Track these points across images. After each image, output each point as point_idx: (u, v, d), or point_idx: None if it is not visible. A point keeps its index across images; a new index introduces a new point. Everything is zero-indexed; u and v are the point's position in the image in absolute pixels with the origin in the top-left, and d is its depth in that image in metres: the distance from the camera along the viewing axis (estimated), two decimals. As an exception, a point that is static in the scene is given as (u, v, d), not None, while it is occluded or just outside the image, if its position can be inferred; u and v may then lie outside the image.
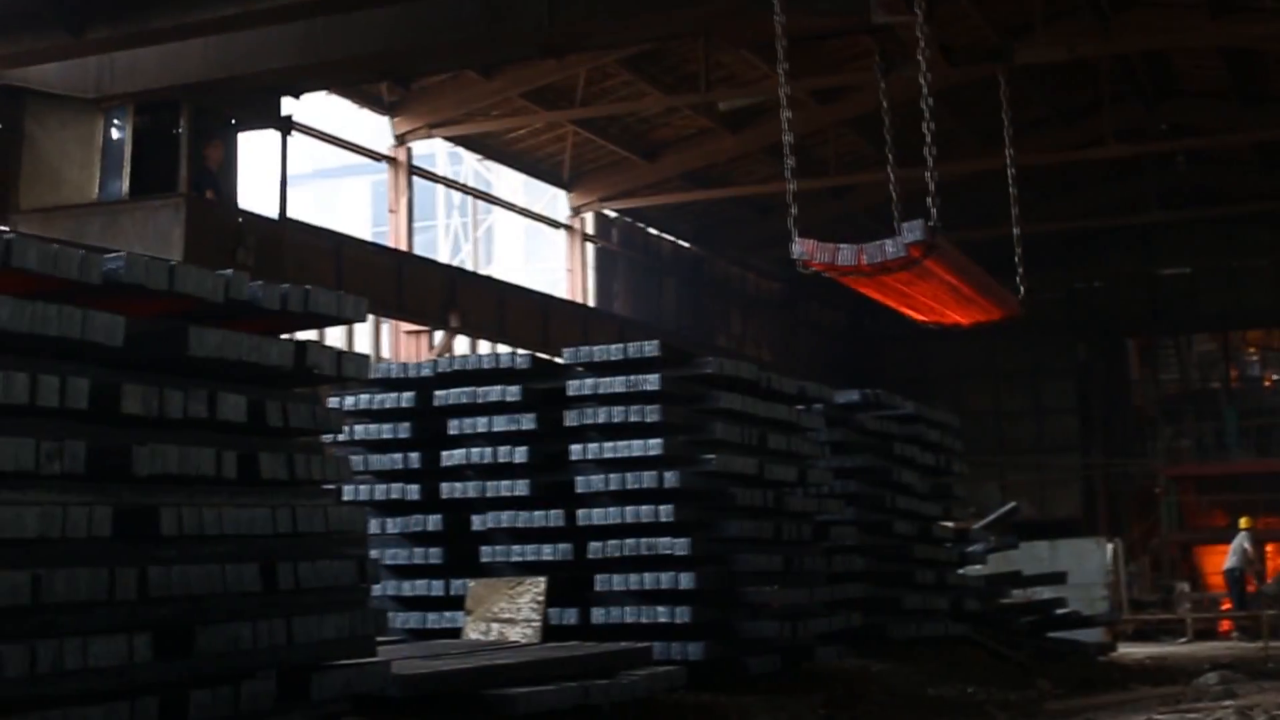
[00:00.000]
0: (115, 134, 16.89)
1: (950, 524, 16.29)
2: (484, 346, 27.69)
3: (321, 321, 7.73)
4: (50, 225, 15.66)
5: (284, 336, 7.35)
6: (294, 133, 25.82)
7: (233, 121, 18.13)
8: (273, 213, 21.43)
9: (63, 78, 17.46)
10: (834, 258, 12.89)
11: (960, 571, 16.25)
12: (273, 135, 19.10)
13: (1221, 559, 32.01)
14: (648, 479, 10.78)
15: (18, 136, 17.02)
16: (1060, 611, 18.04)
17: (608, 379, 11.06)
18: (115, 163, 16.56)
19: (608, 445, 10.96)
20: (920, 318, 17.26)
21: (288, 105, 19.60)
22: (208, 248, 14.49)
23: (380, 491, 11.64)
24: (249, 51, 17.65)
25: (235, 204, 17.84)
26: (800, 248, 13.26)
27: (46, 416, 6.00)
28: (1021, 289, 17.85)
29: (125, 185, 16.35)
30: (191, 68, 17.49)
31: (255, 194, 19.23)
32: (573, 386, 11.21)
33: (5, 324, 5.69)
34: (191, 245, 15.84)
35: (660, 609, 10.60)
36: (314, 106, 26.29)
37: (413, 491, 11.55)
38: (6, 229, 13.64)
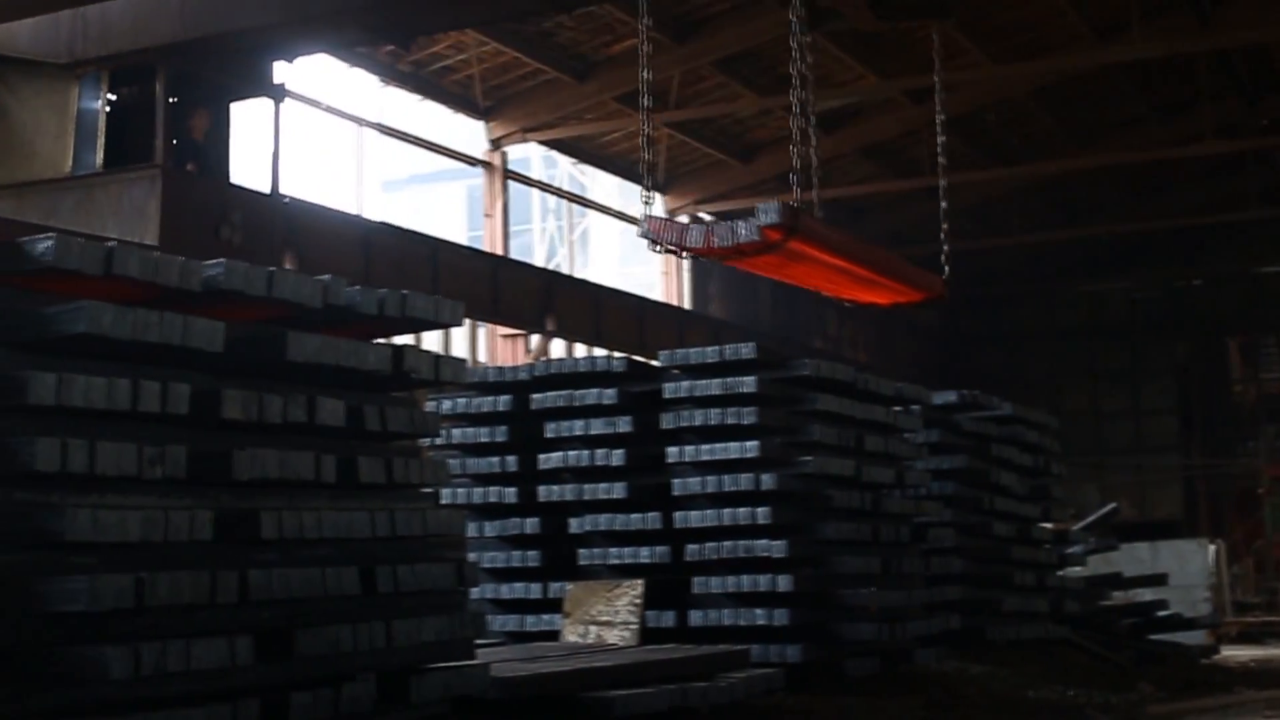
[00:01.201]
0: (90, 102, 15.69)
1: (1049, 525, 16.16)
2: (580, 350, 27.74)
3: (418, 326, 7.76)
4: (23, 203, 14.62)
5: (381, 341, 7.40)
6: (387, 136, 26.06)
7: (224, 91, 16.86)
8: (298, 196, 21.50)
9: (34, 42, 16.24)
10: (682, 238, 12.23)
11: (1060, 573, 16.12)
12: (299, 110, 18.43)
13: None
14: (745, 481, 10.76)
15: None
16: (1162, 614, 17.86)
17: (704, 381, 11.05)
18: (89, 133, 15.40)
19: (704, 448, 10.95)
20: (832, 294, 16.74)
21: (293, 76, 19.01)
22: (188, 223, 13.14)
23: (478, 495, 11.68)
24: (227, 8, 16.32)
25: (226, 178, 16.53)
26: (647, 226, 12.56)
27: (148, 422, 6.06)
28: (946, 269, 16.87)
29: (99, 157, 15.21)
30: (166, 28, 16.23)
31: (289, 172, 18.96)
32: (669, 389, 11.21)
33: (108, 331, 5.75)
34: (169, 220, 14.66)
35: (758, 611, 10.58)
36: (409, 112, 26.49)
37: (510, 494, 11.58)
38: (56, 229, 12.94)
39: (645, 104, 14.50)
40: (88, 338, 5.75)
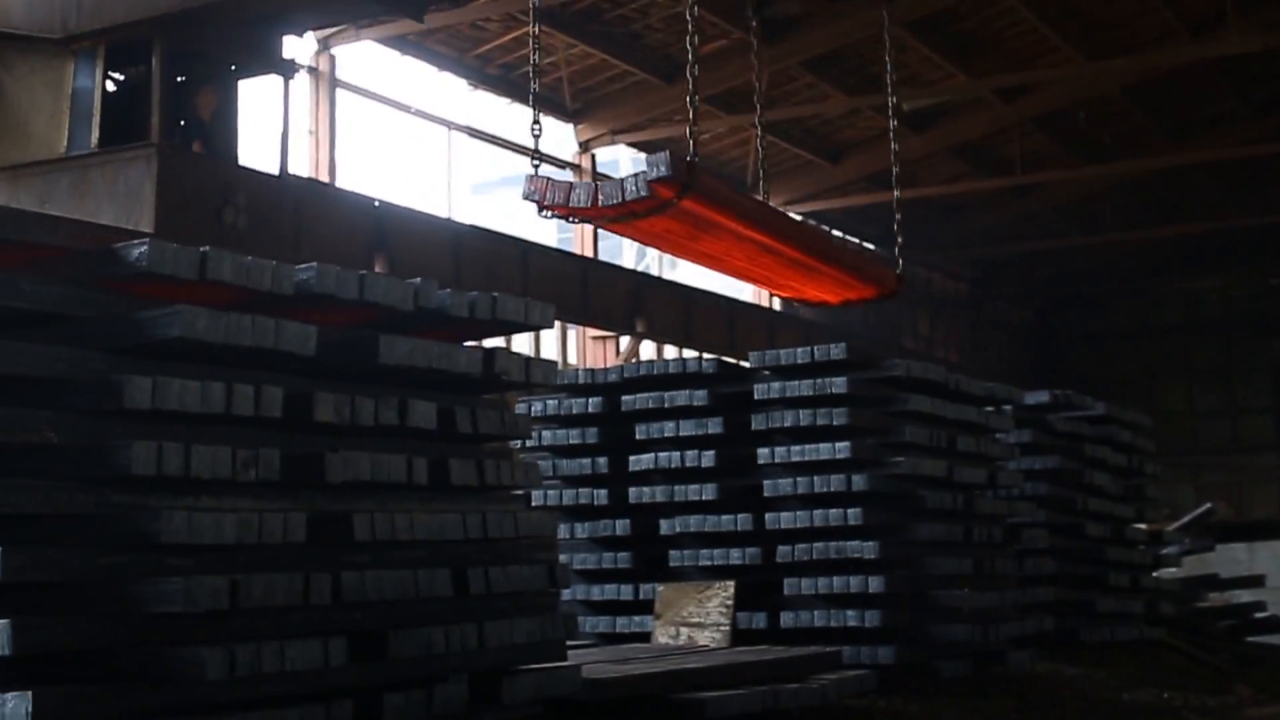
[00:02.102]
0: (86, 79, 14.90)
1: (1144, 526, 16.03)
2: (670, 351, 27.76)
3: (509, 328, 7.78)
4: (18, 186, 13.98)
5: (472, 343, 7.43)
6: (478, 140, 26.17)
7: (232, 68, 16.00)
8: (390, 200, 21.39)
9: (28, 17, 15.46)
10: (568, 198, 11.07)
11: (1155, 574, 15.99)
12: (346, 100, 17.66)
13: None
14: (836, 482, 10.73)
15: None
16: (1259, 615, 17.68)
17: (795, 382, 11.02)
18: (84, 112, 14.58)
19: (795, 449, 10.92)
20: (776, 292, 15.56)
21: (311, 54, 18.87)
22: (186, 205, 12.10)
23: (569, 496, 11.70)
24: (225, -23, 15.53)
25: (234, 158, 15.77)
26: (530, 187, 11.47)
27: (242, 425, 6.11)
28: (900, 262, 15.61)
29: (94, 136, 14.45)
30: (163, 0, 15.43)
31: (385, 177, 18.70)
32: (759, 390, 11.19)
33: (202, 335, 5.80)
34: (165, 202, 13.83)
35: (849, 613, 10.55)
36: (498, 115, 26.60)
37: (601, 496, 11.60)
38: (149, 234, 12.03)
39: (533, 69, 13.43)
40: (182, 342, 5.80)
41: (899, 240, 14.92)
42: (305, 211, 21.52)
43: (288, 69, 15.84)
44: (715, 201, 11.15)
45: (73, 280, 5.87)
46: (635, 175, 10.46)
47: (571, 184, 10.39)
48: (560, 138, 27.76)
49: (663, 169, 10.43)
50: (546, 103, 26.44)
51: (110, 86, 14.68)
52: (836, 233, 34.72)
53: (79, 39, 14.91)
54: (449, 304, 7.09)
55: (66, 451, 5.64)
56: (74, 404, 5.71)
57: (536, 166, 11.13)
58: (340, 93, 22.62)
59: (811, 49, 25.98)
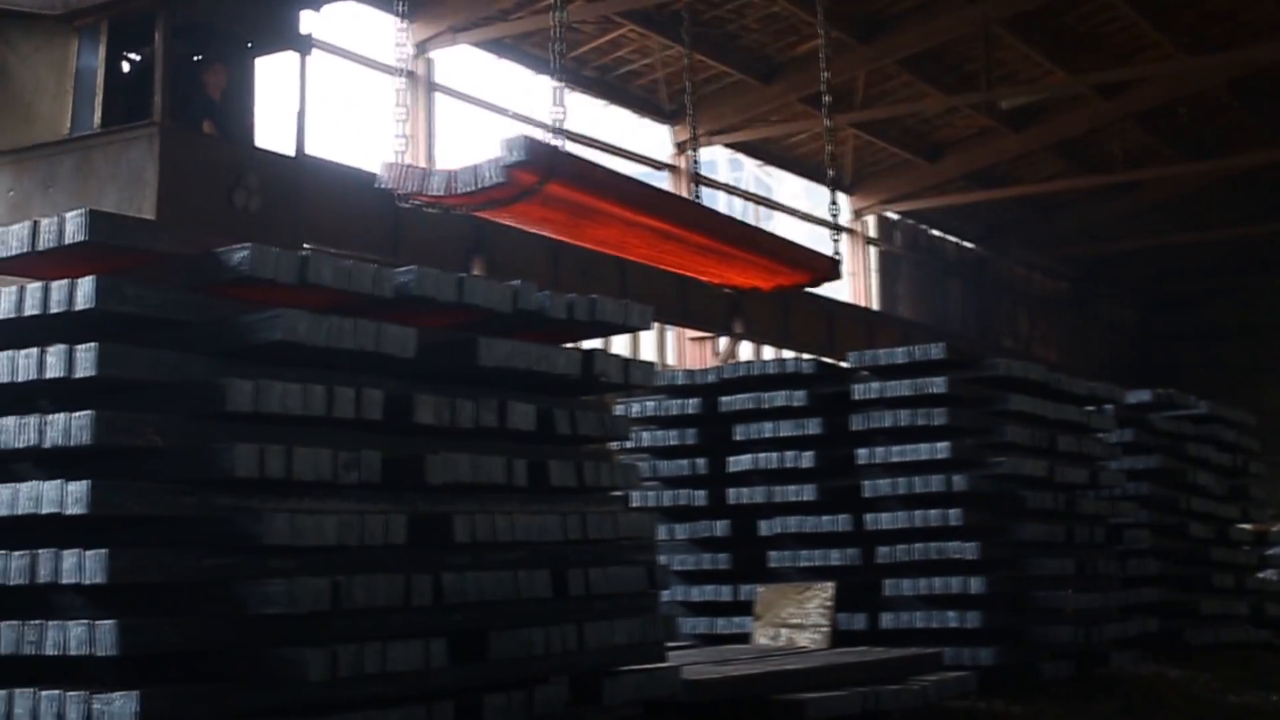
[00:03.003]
0: (90, 57, 14.16)
1: (1248, 526, 15.85)
2: (768, 352, 27.73)
3: (607, 330, 7.79)
4: (22, 169, 13.27)
5: (570, 345, 7.44)
6: (574, 143, 26.20)
7: (249, 45, 15.14)
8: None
9: None
10: (423, 184, 10.41)
11: (1260, 575, 15.81)
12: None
13: None
14: (936, 483, 10.69)
15: None
16: (1367, 616, 17.44)
17: (894, 382, 10.99)
18: (88, 91, 13.87)
19: (895, 449, 10.89)
20: (700, 278, 14.57)
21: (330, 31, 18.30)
22: (192, 187, 11.07)
23: (668, 497, 11.71)
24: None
25: (249, 139, 14.89)
26: (385, 174, 10.83)
27: (343, 427, 6.15)
28: (836, 249, 14.81)
29: (97, 116, 13.63)
30: (168, -31, 14.77)
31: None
32: (858, 390, 11.16)
33: (303, 338, 5.85)
34: (168, 184, 12.97)
35: (950, 614, 10.50)
36: (595, 117, 26.65)
37: (700, 497, 11.60)
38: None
39: (403, 60, 12.51)
40: (283, 345, 5.85)
41: (834, 219, 14.05)
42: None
43: (304, 45, 15.09)
44: (588, 187, 10.64)
45: (176, 285, 5.92)
46: (492, 160, 9.87)
47: (427, 170, 9.88)
48: (657, 139, 27.80)
49: (518, 154, 9.81)
50: (643, 104, 26.48)
51: (119, 65, 14.12)
52: (929, 228, 34.56)
53: (82, 15, 14.24)
54: (548, 306, 7.11)
55: (171, 454, 5.70)
56: (178, 407, 5.76)
57: (400, 153, 10.73)
58: (438, 96, 22.75)
59: (908, 47, 25.87)
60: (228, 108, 14.39)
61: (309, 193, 15.25)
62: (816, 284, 13.56)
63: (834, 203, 15.43)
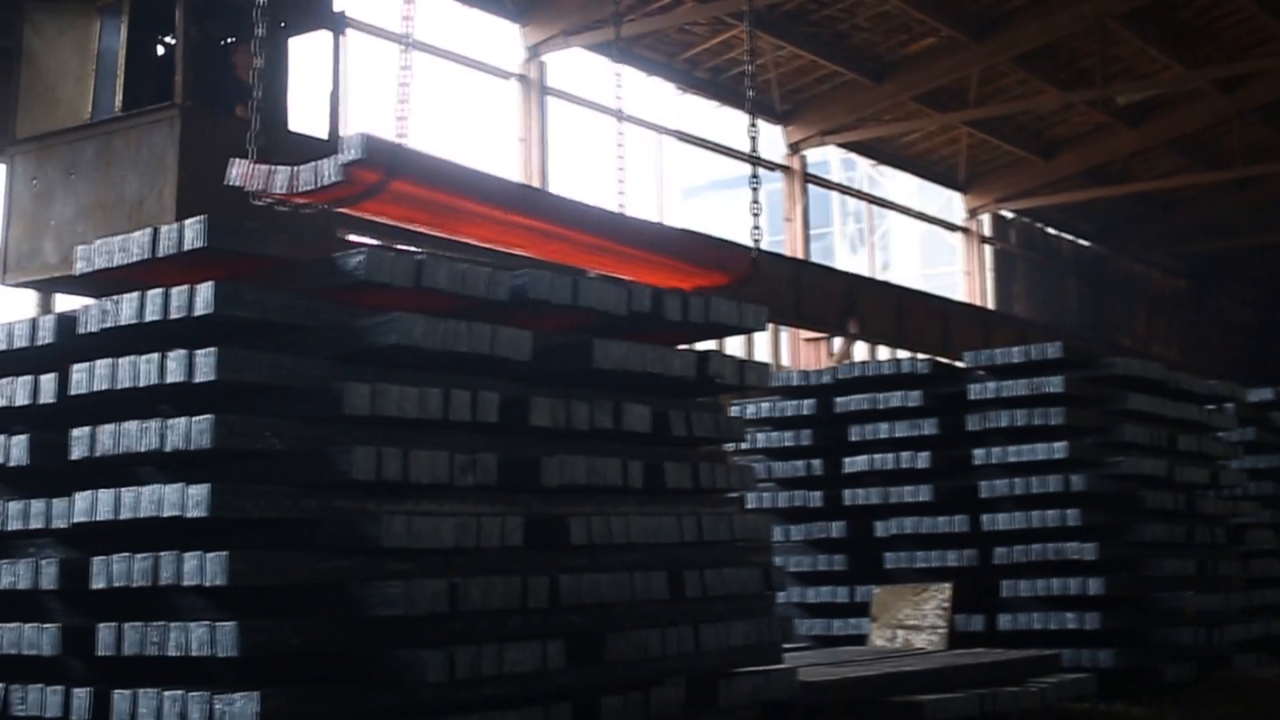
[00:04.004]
0: (112, 39, 13.36)
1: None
2: (883, 352, 27.59)
3: (722, 331, 7.79)
4: (45, 156, 12.61)
5: (685, 347, 7.44)
6: (684, 142, 26.21)
7: (282, 25, 14.02)
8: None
9: None
10: (268, 183, 10.20)
11: (1387, 575, 15.54)
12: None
13: None
14: (1053, 483, 10.60)
15: (17, 52, 13.73)
16: None
17: (1010, 382, 10.91)
18: (109, 73, 13.07)
19: (1011, 449, 10.80)
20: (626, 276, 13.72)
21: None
22: (216, 171, 10.63)
23: (783, 499, 11.68)
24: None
25: (282, 123, 13.85)
26: (234, 172, 10.49)
27: (459, 430, 6.18)
28: (755, 245, 13.55)
29: (118, 99, 12.82)
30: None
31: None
32: (974, 390, 11.09)
33: (419, 341, 5.88)
34: (189, 168, 12.17)
35: (1068, 615, 10.41)
36: (707, 118, 26.63)
37: (815, 498, 11.56)
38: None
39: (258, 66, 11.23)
40: (399, 348, 5.88)
41: (756, 215, 13.20)
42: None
43: (338, 23, 14.46)
44: (442, 186, 10.30)
45: (293, 289, 5.97)
46: (332, 159, 9.45)
47: (273, 168, 9.64)
48: (769, 139, 27.71)
49: (356, 152, 9.36)
50: (756, 105, 26.41)
51: (144, 47, 13.69)
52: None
53: (105, -7, 14.61)
54: (662, 308, 7.11)
55: (289, 457, 5.75)
56: (295, 411, 5.81)
57: (251, 152, 10.51)
58: (550, 100, 22.81)
59: (1023, 44, 25.65)
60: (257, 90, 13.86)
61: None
62: (739, 284, 12.83)
63: (754, 176, 12.70)
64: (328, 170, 9.22)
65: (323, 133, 13.49)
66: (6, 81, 13.67)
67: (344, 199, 9.64)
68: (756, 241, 11.78)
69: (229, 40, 13.64)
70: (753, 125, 12.47)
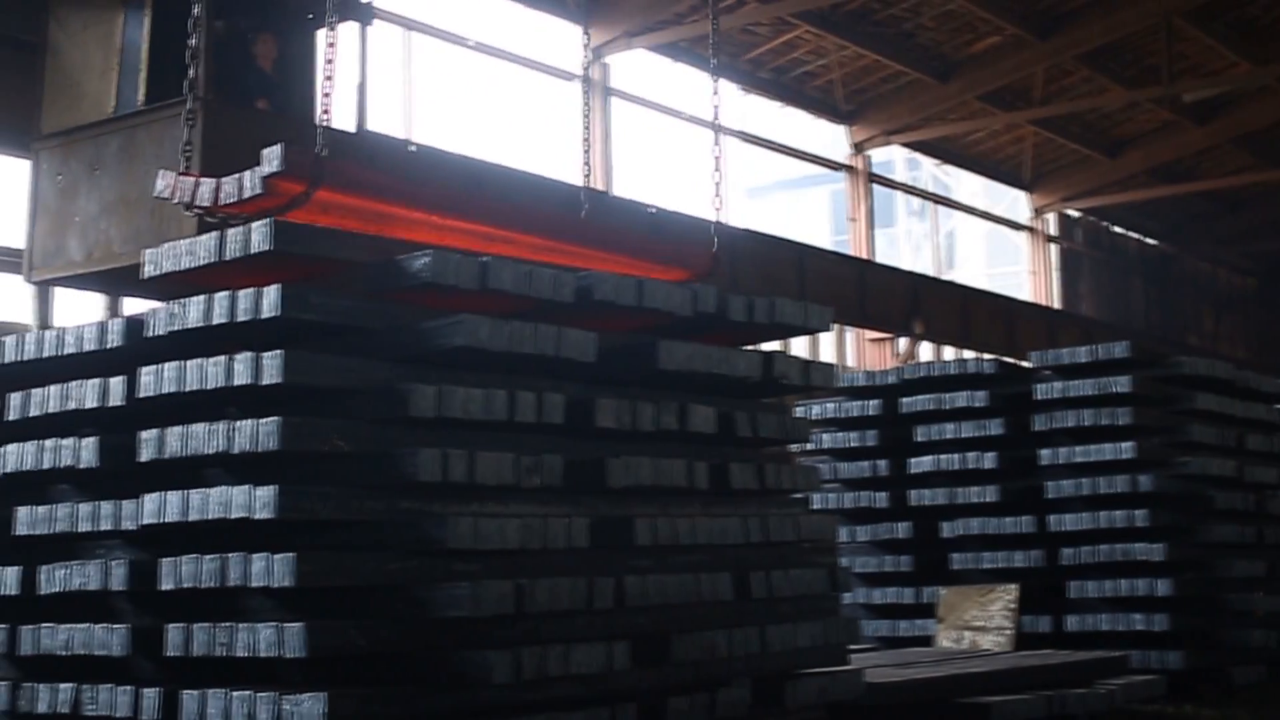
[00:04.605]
0: (135, 31, 13.25)
1: None
2: (948, 352, 27.50)
3: (787, 332, 7.78)
4: (70, 151, 12.50)
5: (750, 347, 7.43)
6: (748, 143, 26.20)
7: (308, 16, 14.10)
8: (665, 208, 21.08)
9: None
10: (194, 195, 10.03)
11: None
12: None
13: None
14: (1121, 483, 10.55)
15: (42, 47, 13.78)
16: None
17: (1076, 382, 10.86)
18: (132, 67, 12.92)
19: (1078, 449, 10.75)
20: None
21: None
22: (240, 164, 10.21)
23: (849, 499, 11.66)
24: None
25: (308, 114, 13.32)
26: (161, 183, 10.25)
27: (524, 431, 6.19)
28: (715, 241, 12.94)
29: (141, 93, 12.70)
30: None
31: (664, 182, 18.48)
32: (1040, 390, 11.04)
33: (485, 343, 5.89)
34: (212, 161, 11.62)
35: (1136, 616, 10.35)
36: (772, 118, 26.62)
37: (881, 499, 11.54)
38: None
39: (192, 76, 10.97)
40: (465, 350, 5.90)
41: (717, 209, 12.59)
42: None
43: (365, 14, 13.96)
44: (370, 193, 10.11)
45: (358, 292, 6.00)
46: (254, 171, 9.34)
47: (199, 180, 9.54)
48: (833, 140, 27.67)
49: (275, 164, 9.23)
50: (819, 105, 26.38)
51: (171, 40, 13.34)
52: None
53: (128, -14, 13.86)
54: (727, 308, 7.10)
55: (355, 459, 5.77)
56: (361, 413, 5.83)
57: (188, 157, 10.37)
58: (614, 101, 22.83)
59: (1088, 42, 25.52)
60: (285, 82, 13.69)
61: (370, 168, 13.02)
62: (698, 279, 12.32)
63: (716, 142, 12.36)
64: (249, 183, 9.22)
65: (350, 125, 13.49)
66: (32, 77, 13.79)
67: (270, 210, 9.54)
68: (715, 239, 11.60)
69: (262, 33, 13.51)
70: (715, 83, 12.04)
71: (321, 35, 13.19)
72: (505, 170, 19.42)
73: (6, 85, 14.94)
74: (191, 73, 9.94)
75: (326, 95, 9.68)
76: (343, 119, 13.55)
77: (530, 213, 11.20)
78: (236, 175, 9.12)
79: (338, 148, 12.86)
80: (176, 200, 9.55)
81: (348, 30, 13.81)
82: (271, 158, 9.03)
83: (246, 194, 9.13)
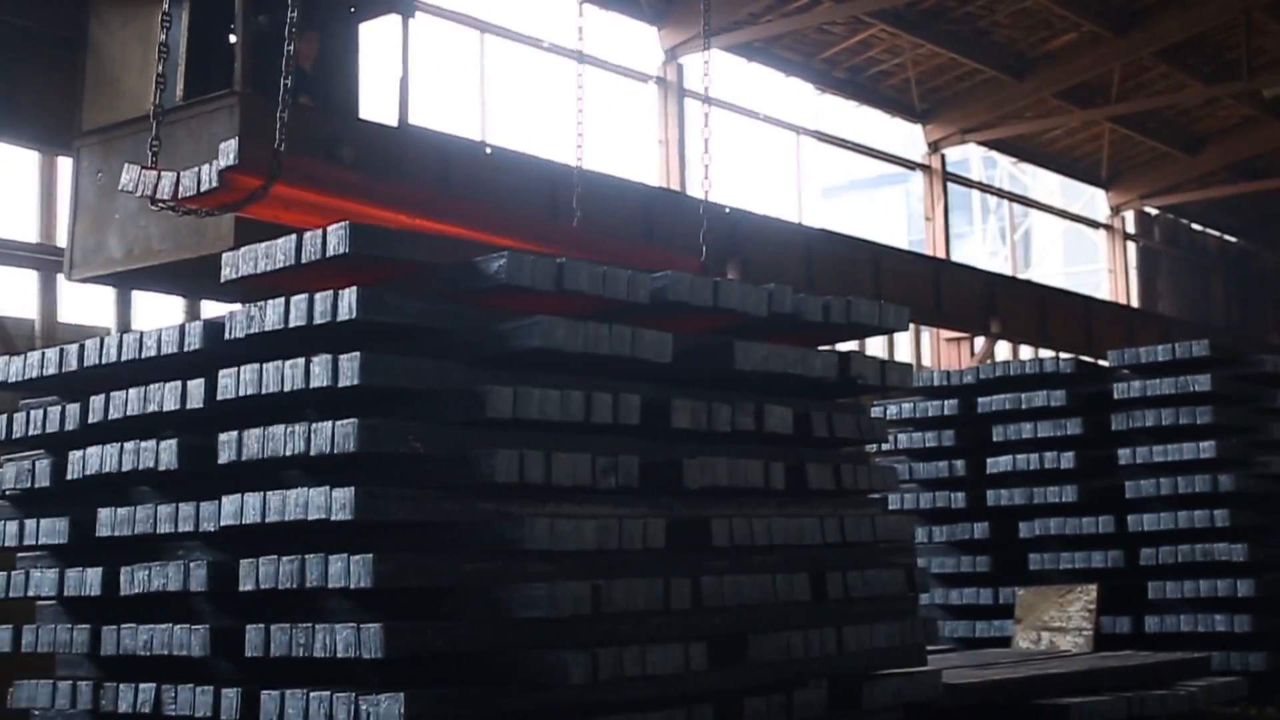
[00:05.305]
0: (174, 28, 12.43)
1: None
2: (1025, 351, 27.38)
3: (863, 332, 7.75)
4: (111, 148, 12.31)
5: (826, 348, 7.41)
6: (823, 142, 26.14)
7: (351, 10, 14.08)
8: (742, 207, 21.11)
9: None
10: (155, 189, 9.57)
11: None
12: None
13: None
14: (1201, 483, 10.46)
15: (82, 44, 13.77)
16: None
17: (1156, 381, 10.78)
18: (171, 63, 12.50)
19: (1158, 449, 10.68)
20: None
21: None
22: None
23: (926, 500, 11.62)
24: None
25: (351, 109, 13.82)
26: (126, 177, 9.85)
27: (601, 432, 6.19)
28: (704, 249, 12.43)
29: (179, 89, 12.64)
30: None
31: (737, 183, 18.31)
32: (1119, 389, 10.97)
33: (561, 344, 5.90)
34: None
35: (1218, 617, 10.27)
36: (846, 118, 26.55)
37: (958, 499, 11.49)
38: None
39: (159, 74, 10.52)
40: (541, 351, 5.90)
41: (703, 225, 12.14)
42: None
43: (407, 7, 14.00)
44: (332, 191, 9.90)
45: (434, 294, 6.01)
46: (210, 165, 9.17)
47: (160, 174, 9.42)
48: (908, 139, 27.61)
49: (230, 158, 9.08)
50: (894, 104, 26.31)
51: (212, 37, 13.26)
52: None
53: (167, -20, 13.61)
54: (803, 309, 7.09)
55: (432, 461, 5.79)
56: (438, 414, 5.85)
57: (155, 151, 10.25)
58: (688, 102, 22.84)
59: (1166, 38, 25.37)
60: (328, 76, 13.65)
61: (412, 165, 14.36)
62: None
63: (706, 111, 12.40)
64: (207, 176, 9.18)
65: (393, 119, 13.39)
66: (73, 75, 13.85)
67: (229, 204, 9.48)
68: (704, 249, 11.36)
69: (294, 26, 13.34)
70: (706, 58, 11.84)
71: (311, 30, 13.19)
72: (510, 154, 19.18)
73: (48, 84, 15.03)
74: (160, 68, 9.92)
75: (287, 89, 9.56)
76: (385, 114, 13.60)
77: (505, 215, 11.08)
78: (195, 169, 9.13)
79: (377, 142, 13.00)
80: (140, 194, 9.57)
81: (390, 23, 13.90)
82: (227, 152, 9.03)
83: (204, 188, 9.14)
